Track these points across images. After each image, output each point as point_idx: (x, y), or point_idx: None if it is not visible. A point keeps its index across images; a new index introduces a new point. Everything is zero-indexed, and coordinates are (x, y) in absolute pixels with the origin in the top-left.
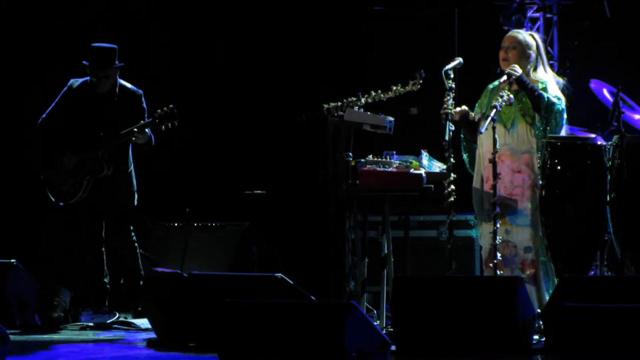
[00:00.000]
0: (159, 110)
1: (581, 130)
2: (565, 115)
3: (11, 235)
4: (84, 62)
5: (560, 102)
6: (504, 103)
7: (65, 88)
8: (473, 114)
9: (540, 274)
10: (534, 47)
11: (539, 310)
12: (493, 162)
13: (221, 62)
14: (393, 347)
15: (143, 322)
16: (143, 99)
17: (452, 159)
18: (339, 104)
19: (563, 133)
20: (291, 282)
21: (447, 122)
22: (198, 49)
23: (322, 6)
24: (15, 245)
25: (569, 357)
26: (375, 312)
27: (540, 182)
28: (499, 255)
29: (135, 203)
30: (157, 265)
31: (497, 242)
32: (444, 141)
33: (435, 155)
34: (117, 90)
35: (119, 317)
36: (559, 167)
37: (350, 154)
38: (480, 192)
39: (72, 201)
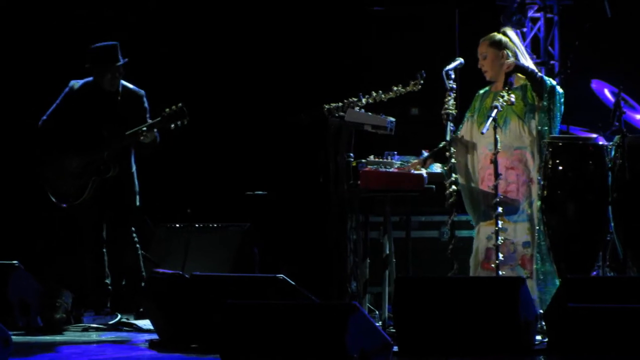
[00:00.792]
0: (168, 109)
1: (583, 131)
2: (562, 99)
3: (13, 236)
4: (86, 64)
5: (557, 85)
6: (504, 103)
7: (67, 89)
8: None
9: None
10: (508, 43)
11: (541, 311)
12: (494, 162)
13: (222, 63)
14: (395, 348)
15: (145, 323)
16: (145, 98)
17: (453, 160)
18: (340, 104)
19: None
20: (293, 283)
21: (448, 122)
22: (199, 50)
23: (322, 7)
24: (17, 246)
25: (572, 358)
26: (377, 312)
27: (542, 182)
28: (500, 255)
29: (138, 204)
30: (158, 266)
31: (499, 242)
32: (445, 141)
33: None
34: (120, 90)
35: (120, 319)
36: (560, 168)
37: (352, 154)
38: (474, 192)
39: (76, 202)
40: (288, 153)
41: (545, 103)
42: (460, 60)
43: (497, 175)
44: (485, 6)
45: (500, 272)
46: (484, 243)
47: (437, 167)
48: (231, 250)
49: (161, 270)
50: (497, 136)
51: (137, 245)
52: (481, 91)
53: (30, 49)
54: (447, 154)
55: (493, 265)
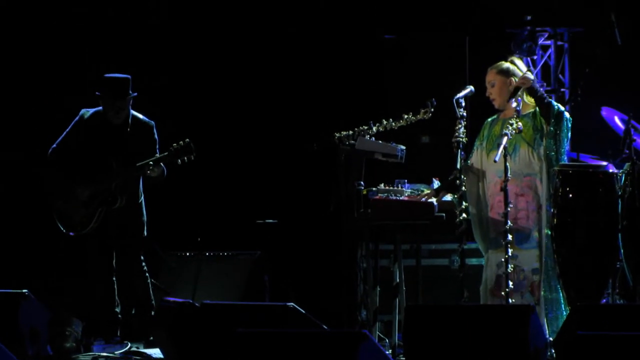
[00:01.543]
0: (175, 144)
1: (593, 158)
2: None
3: (23, 265)
4: (97, 92)
5: (565, 111)
6: (514, 131)
7: (77, 118)
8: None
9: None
10: (516, 71)
11: (551, 339)
12: (504, 189)
13: (233, 90)
14: None
15: (155, 352)
16: (155, 130)
17: (463, 188)
18: (351, 132)
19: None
20: (303, 312)
21: (459, 150)
22: (210, 78)
23: (333, 35)
24: (27, 275)
25: None
26: (387, 341)
27: (552, 209)
28: (510, 283)
29: (145, 233)
30: (168, 295)
31: (509, 270)
32: (456, 169)
33: None
34: (129, 120)
35: (130, 347)
36: (570, 195)
37: (362, 182)
38: (484, 220)
39: (83, 231)
40: (299, 181)
41: (552, 128)
42: (470, 88)
43: (507, 203)
44: (496, 34)
45: (510, 300)
46: (494, 270)
47: (447, 195)
48: (241, 278)
49: (171, 299)
50: (507, 164)
51: (147, 274)
52: (489, 119)
53: (40, 77)
54: (458, 182)
55: (503, 293)
